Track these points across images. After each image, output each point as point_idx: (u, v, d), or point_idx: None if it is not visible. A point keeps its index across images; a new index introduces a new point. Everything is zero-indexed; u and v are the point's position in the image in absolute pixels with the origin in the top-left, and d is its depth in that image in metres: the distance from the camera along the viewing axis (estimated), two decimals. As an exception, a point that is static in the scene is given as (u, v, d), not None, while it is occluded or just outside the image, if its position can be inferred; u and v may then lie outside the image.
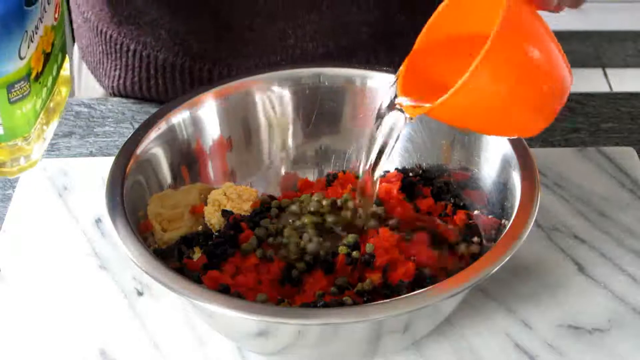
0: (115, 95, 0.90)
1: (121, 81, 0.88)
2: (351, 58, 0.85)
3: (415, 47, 0.61)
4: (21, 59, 0.57)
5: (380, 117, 0.62)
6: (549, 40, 0.58)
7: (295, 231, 0.66)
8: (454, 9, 0.60)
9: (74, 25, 0.94)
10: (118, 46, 0.87)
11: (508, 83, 0.56)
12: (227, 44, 0.83)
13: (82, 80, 0.97)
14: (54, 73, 0.64)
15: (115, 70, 0.88)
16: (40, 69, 0.60)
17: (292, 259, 0.64)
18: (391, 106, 0.61)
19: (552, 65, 0.57)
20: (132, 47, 0.86)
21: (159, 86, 0.86)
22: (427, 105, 0.57)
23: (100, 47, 0.88)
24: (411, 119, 0.60)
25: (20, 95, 0.58)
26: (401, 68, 0.61)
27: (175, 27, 0.84)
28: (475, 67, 0.53)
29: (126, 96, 0.89)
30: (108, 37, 0.87)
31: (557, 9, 0.58)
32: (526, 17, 0.57)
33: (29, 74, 0.59)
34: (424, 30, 0.61)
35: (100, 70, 0.90)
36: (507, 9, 0.54)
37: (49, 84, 0.63)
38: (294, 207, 0.68)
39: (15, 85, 0.57)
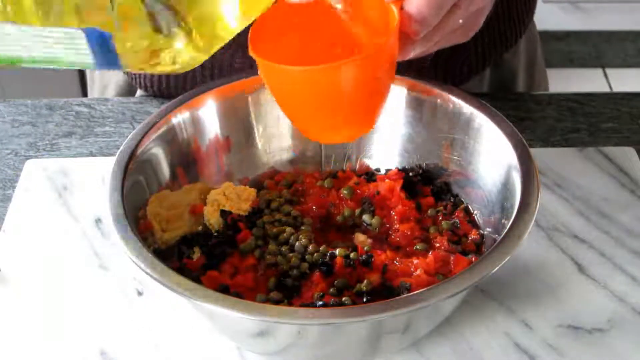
0: (132, 77, 0.89)
1: None
2: None
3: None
4: None
5: None
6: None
7: (287, 242, 0.66)
8: None
9: None
10: None
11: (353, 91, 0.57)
12: None
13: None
14: None
15: None
16: None
17: (284, 269, 0.64)
18: None
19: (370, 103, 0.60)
20: None
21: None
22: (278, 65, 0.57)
23: None
24: None
25: None
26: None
27: None
28: (356, 59, 0.55)
29: (142, 81, 0.88)
30: None
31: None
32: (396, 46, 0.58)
33: None
34: None
35: None
36: (397, 27, 0.56)
37: None
38: (293, 211, 0.68)
39: None
